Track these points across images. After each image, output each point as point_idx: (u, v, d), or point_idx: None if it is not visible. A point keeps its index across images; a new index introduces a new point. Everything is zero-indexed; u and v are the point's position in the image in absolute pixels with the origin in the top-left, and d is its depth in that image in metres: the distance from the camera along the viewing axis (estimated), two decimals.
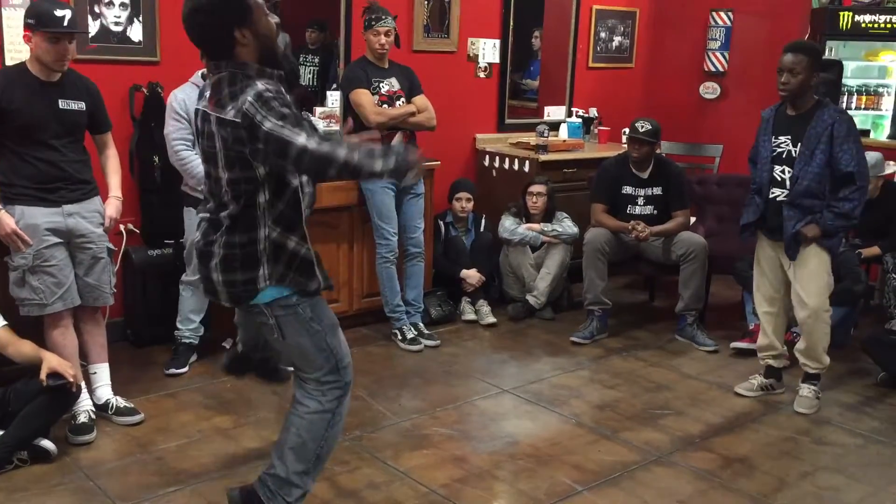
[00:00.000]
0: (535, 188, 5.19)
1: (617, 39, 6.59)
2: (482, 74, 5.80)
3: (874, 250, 4.85)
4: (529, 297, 5.13)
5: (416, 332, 4.67)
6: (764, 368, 4.17)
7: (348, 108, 4.57)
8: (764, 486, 3.31)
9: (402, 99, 4.56)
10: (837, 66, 5.74)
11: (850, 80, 6.13)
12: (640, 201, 4.94)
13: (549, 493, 3.19)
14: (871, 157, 4.85)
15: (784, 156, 3.89)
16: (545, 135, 5.57)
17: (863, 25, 5.61)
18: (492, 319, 5.05)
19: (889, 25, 5.62)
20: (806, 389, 4.02)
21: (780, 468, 3.46)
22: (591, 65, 6.43)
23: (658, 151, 5.09)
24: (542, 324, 5.12)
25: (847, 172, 3.78)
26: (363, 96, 4.43)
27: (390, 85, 4.53)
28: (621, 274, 5.71)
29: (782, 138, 3.91)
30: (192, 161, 3.89)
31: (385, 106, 4.48)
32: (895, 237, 4.86)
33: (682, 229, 4.88)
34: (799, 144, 3.84)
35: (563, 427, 3.77)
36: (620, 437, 3.69)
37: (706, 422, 3.87)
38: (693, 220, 5.46)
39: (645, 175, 4.92)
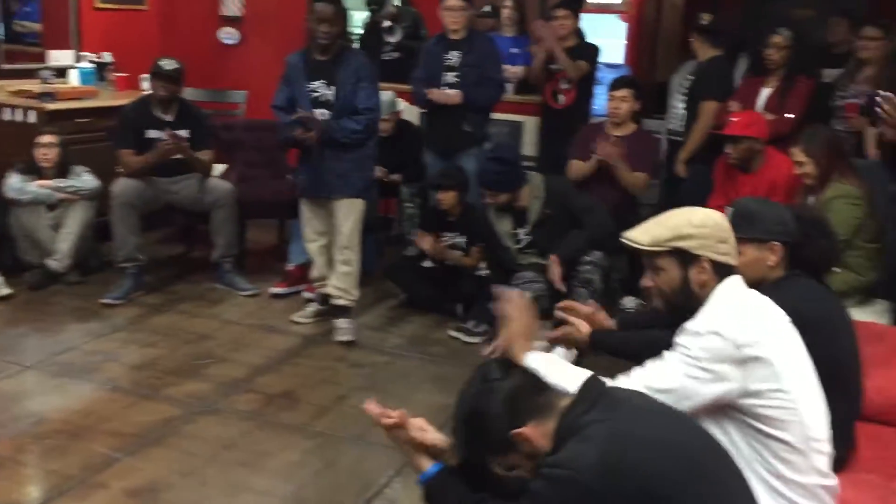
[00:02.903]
0: (45, 139, 4.67)
1: None
2: None
3: (396, 178, 5.29)
4: (50, 262, 4.63)
5: None
6: (319, 296, 4.39)
7: None
8: (306, 416, 3.45)
9: None
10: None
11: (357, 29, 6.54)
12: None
13: (84, 467, 2.95)
14: (385, 94, 5.26)
15: (321, 100, 4.02)
16: (50, 81, 5.01)
17: None
18: (6, 291, 4.47)
19: None
20: (343, 322, 4.24)
21: (320, 396, 3.64)
22: (97, 6, 5.92)
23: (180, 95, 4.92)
24: (68, 289, 4.68)
25: (363, 108, 4.05)
26: None
27: None
28: (155, 227, 5.46)
29: (317, 83, 4.03)
30: None
31: None
32: (411, 169, 5.35)
33: (210, 167, 4.83)
34: (334, 87, 4.00)
35: (98, 395, 3.50)
36: (162, 394, 3.55)
37: (249, 364, 3.90)
38: (225, 167, 5.43)
39: (170, 117, 4.73)
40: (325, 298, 4.37)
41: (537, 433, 1.58)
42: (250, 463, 3.07)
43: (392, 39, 5.96)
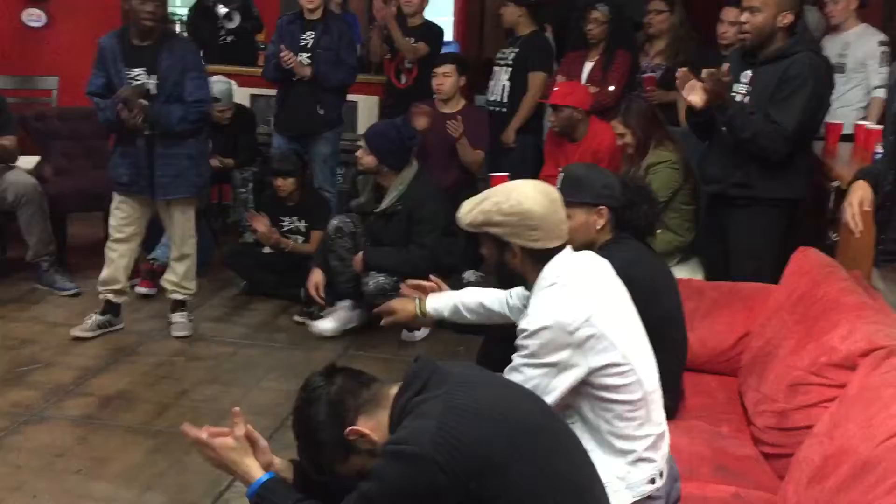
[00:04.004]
0: None
1: None
2: None
3: (229, 162, 5.13)
4: None
5: None
6: (102, 304, 4.02)
7: None
8: (145, 415, 3.30)
9: None
10: None
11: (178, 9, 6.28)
12: None
13: None
14: (227, 83, 5.09)
15: (142, 89, 3.73)
16: None
17: None
18: None
19: None
20: (178, 316, 4.07)
21: (159, 393, 3.48)
22: None
23: None
24: None
25: (192, 100, 3.79)
26: None
27: None
28: None
29: (137, 70, 3.72)
30: None
31: None
32: (245, 153, 5.20)
33: (14, 153, 4.50)
34: (154, 77, 3.72)
35: None
36: None
37: (79, 366, 3.68)
38: (37, 159, 5.06)
39: None
40: (109, 306, 4.02)
41: (370, 426, 1.57)
42: (87, 470, 2.89)
43: (231, 26, 5.78)
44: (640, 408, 1.87)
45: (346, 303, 4.12)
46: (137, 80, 3.72)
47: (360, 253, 3.96)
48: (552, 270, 1.91)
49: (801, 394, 2.27)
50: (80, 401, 3.38)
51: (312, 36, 4.62)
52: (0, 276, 4.73)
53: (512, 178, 4.12)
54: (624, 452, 1.87)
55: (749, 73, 3.26)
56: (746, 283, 3.07)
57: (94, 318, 3.99)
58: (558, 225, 1.94)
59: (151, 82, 3.72)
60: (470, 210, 1.95)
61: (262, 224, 4.42)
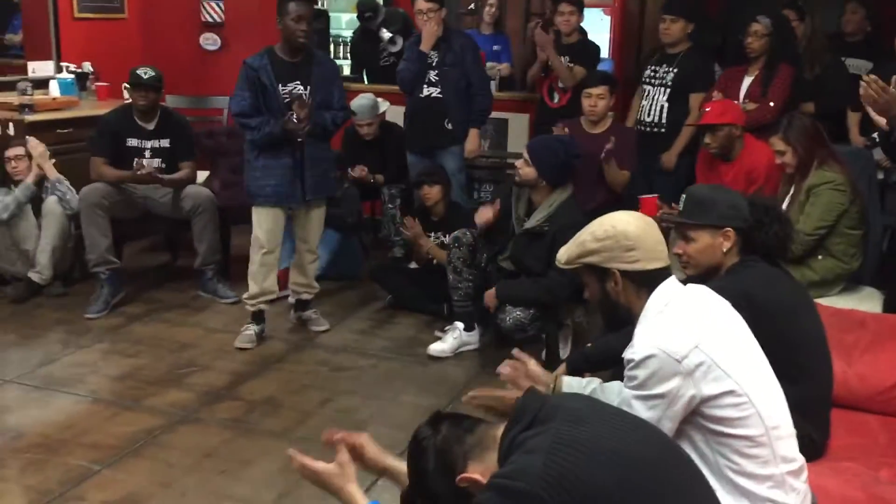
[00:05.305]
0: (12, 151, 4.64)
1: None
2: None
3: (379, 178, 5.27)
4: (32, 274, 4.60)
5: None
6: (255, 315, 4.19)
7: None
8: (288, 422, 3.41)
9: None
10: (325, 17, 6.08)
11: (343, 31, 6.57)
12: (148, 154, 4.69)
13: (62, 481, 2.91)
14: (368, 98, 5.26)
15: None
16: (28, 93, 4.98)
17: None
18: None
19: None
20: (313, 313, 4.39)
21: (302, 401, 3.59)
22: (77, 15, 5.89)
23: (163, 103, 4.90)
24: (51, 301, 4.64)
25: (340, 107, 4.13)
26: None
27: None
28: (140, 236, 5.44)
29: (292, 85, 3.96)
30: None
31: None
32: (393, 170, 5.32)
33: (192, 179, 4.78)
34: (309, 88, 3.97)
35: (78, 407, 3.47)
36: (144, 404, 3.52)
37: (232, 371, 3.86)
38: (206, 174, 5.39)
39: (151, 126, 4.70)
40: (260, 316, 4.20)
41: (479, 471, 1.54)
42: (231, 471, 3.03)
43: (394, 50, 5.98)
44: (763, 444, 1.74)
45: (460, 325, 4.10)
46: (294, 92, 3.96)
47: (492, 289, 3.84)
48: (658, 299, 1.83)
49: None
50: (230, 404, 3.55)
51: (435, 54, 4.70)
52: (170, 282, 5.07)
53: (662, 199, 3.97)
54: (747, 492, 1.74)
55: None
56: None
57: (252, 328, 4.17)
58: (656, 245, 1.88)
59: (306, 93, 3.97)
60: (566, 249, 1.95)
61: (411, 226, 4.47)
